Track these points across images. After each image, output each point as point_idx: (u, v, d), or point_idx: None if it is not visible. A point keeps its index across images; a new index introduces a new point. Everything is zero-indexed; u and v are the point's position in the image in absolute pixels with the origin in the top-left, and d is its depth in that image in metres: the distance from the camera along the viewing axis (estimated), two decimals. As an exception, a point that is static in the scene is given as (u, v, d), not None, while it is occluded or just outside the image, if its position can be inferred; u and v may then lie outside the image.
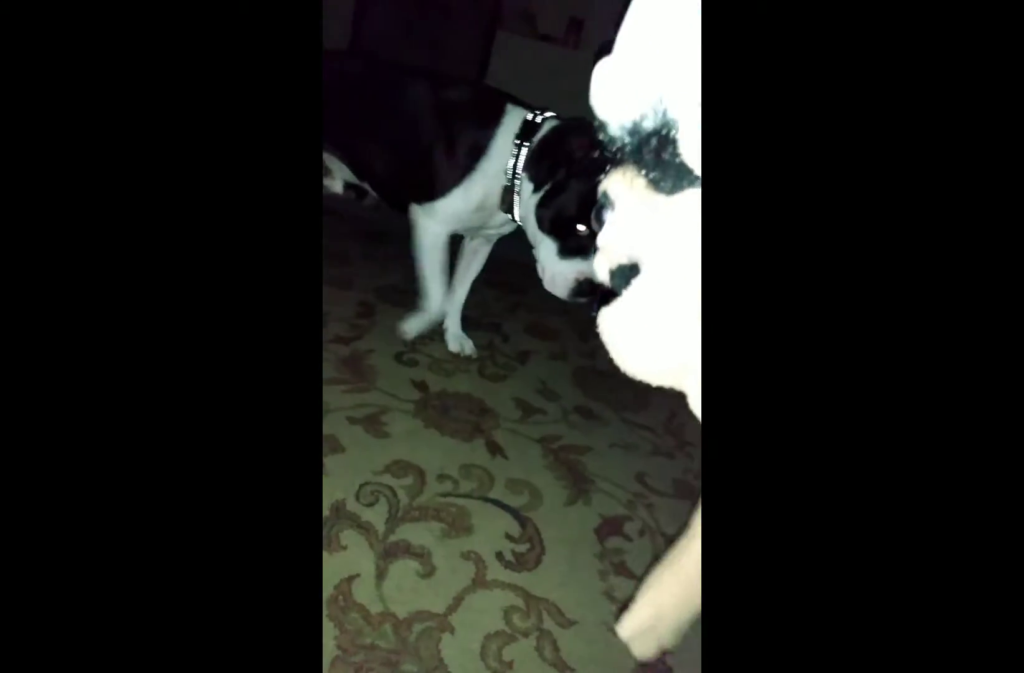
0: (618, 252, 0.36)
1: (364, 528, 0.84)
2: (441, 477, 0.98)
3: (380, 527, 0.85)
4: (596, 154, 1.07)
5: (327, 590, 0.73)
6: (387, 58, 1.50)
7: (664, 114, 0.31)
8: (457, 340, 1.42)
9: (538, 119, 1.17)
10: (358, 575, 0.76)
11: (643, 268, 0.35)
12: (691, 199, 0.32)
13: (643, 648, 0.43)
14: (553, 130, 1.15)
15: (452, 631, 0.72)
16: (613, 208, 0.35)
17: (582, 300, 1.16)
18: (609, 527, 0.98)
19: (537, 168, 1.14)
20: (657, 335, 0.35)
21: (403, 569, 0.79)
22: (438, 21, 3.11)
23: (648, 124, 0.32)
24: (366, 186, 1.39)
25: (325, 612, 0.70)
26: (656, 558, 0.94)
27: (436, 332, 1.45)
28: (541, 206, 1.14)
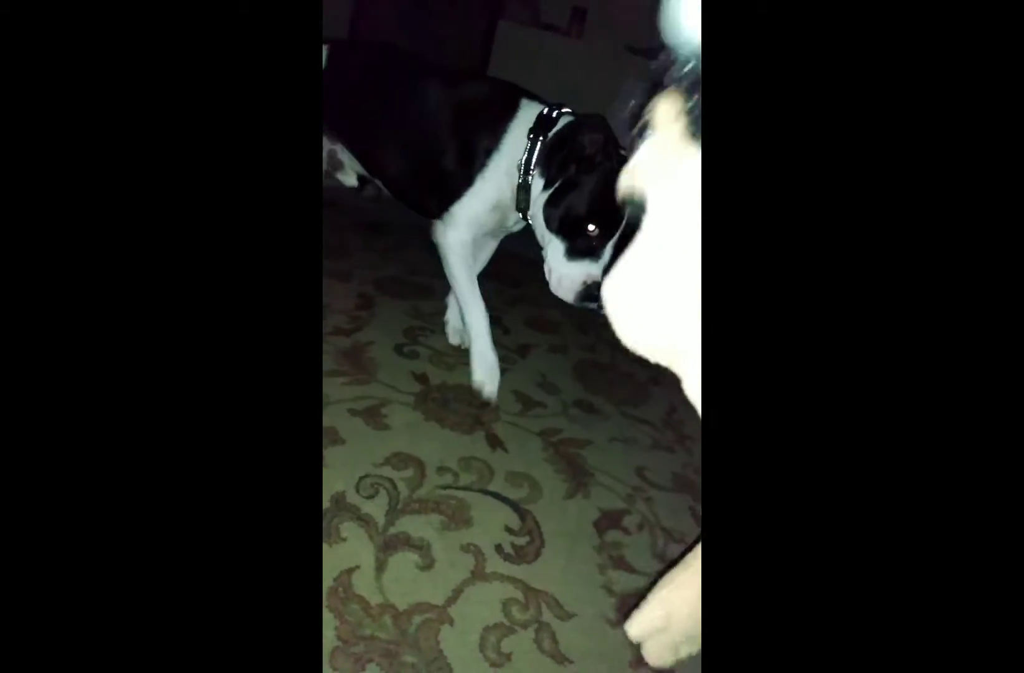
0: (640, 179, 0.36)
1: (364, 520, 0.84)
2: (441, 470, 0.98)
3: (380, 519, 0.85)
4: (610, 150, 1.04)
5: (327, 582, 0.73)
6: (398, 47, 1.44)
7: None
8: (458, 333, 1.41)
9: (554, 114, 1.13)
10: (358, 567, 0.76)
11: (646, 222, 0.35)
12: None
13: (658, 655, 0.41)
14: (568, 126, 1.11)
15: (451, 623, 0.73)
16: (653, 133, 0.35)
17: (590, 305, 1.11)
18: (608, 520, 0.98)
19: (549, 164, 1.09)
20: (653, 303, 0.35)
21: (403, 561, 0.79)
22: (440, 10, 3.07)
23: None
24: (377, 182, 1.36)
25: (325, 603, 0.70)
26: (655, 552, 0.94)
27: (437, 324, 1.45)
28: (550, 204, 1.09)
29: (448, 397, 1.20)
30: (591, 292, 1.09)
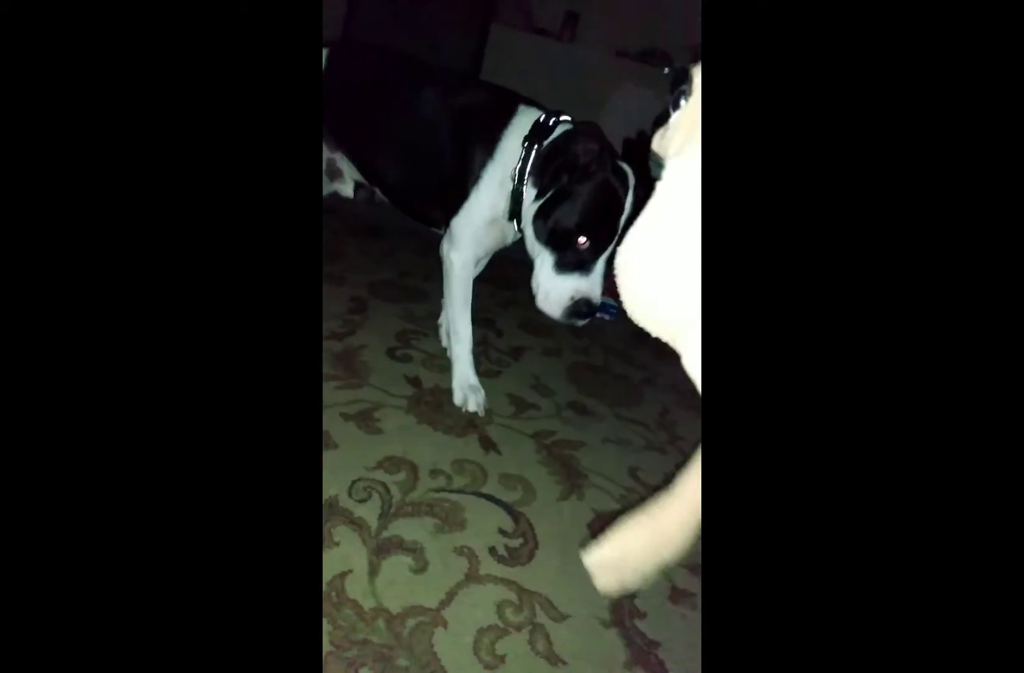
0: (668, 142, 0.36)
1: (357, 524, 0.84)
2: (434, 472, 0.98)
3: (373, 523, 0.85)
4: (604, 160, 1.01)
5: (320, 586, 0.73)
6: (396, 49, 1.42)
7: None
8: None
9: (551, 122, 1.09)
10: (351, 571, 0.76)
11: (660, 188, 0.36)
12: None
13: (606, 582, 0.45)
14: (564, 134, 1.07)
15: (445, 626, 0.73)
16: (688, 98, 0.36)
17: (578, 322, 1.05)
18: (602, 522, 0.98)
19: (541, 173, 1.05)
20: (664, 271, 0.36)
21: (396, 564, 0.79)
22: (433, 13, 3.08)
23: None
24: (376, 190, 1.33)
25: (318, 607, 0.70)
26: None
27: (429, 328, 1.45)
28: (540, 215, 1.05)
29: (441, 400, 1.19)
30: (579, 308, 1.03)
